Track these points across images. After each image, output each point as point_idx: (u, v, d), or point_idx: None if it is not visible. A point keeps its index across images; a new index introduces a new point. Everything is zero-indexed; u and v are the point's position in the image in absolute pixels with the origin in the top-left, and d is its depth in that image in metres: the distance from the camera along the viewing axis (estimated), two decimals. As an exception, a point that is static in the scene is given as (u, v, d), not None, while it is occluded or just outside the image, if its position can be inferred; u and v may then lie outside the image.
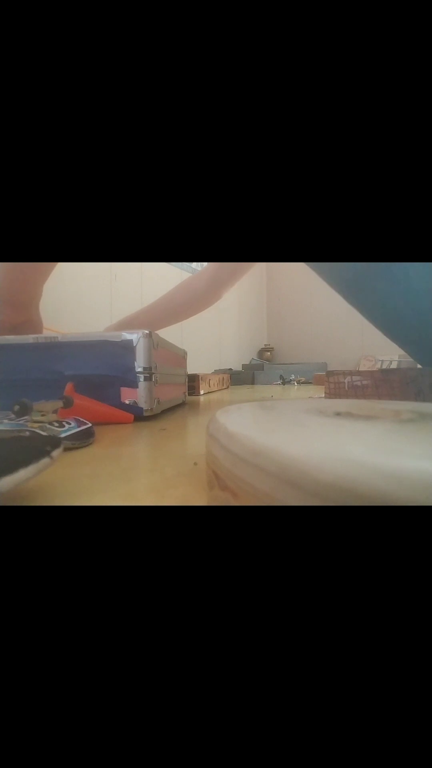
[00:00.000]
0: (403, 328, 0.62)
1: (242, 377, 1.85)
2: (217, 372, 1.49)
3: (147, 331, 0.47)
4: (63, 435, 0.31)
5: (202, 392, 0.94)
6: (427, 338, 0.59)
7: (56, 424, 0.33)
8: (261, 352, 2.98)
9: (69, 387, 0.41)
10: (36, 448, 0.19)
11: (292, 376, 1.89)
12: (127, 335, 0.47)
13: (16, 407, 0.34)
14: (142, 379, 0.46)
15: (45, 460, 0.18)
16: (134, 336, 0.47)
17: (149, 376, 0.47)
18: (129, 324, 0.85)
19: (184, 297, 0.91)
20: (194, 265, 1.80)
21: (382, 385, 0.45)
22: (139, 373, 0.46)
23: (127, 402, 0.47)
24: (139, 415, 0.46)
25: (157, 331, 0.52)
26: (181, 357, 0.71)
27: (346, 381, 0.49)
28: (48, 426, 0.32)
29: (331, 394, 0.51)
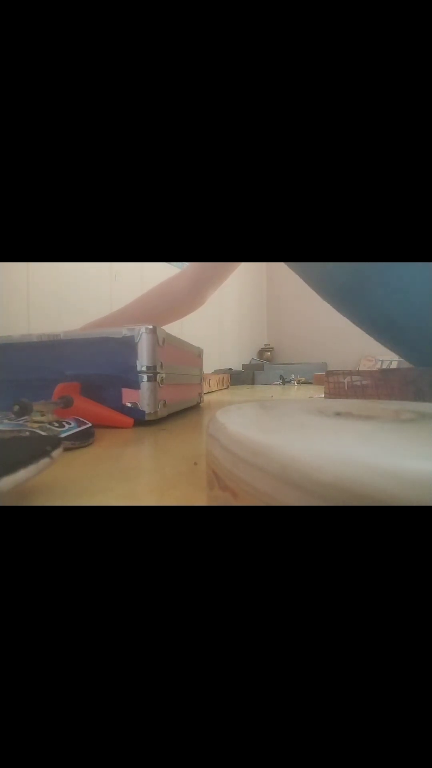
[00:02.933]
0: (398, 331, 0.61)
1: (242, 377, 1.85)
2: (217, 372, 1.49)
3: (151, 326, 0.42)
4: (63, 435, 0.31)
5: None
6: (423, 340, 0.59)
7: (56, 424, 0.33)
8: (261, 352, 2.98)
9: (60, 387, 0.40)
10: (36, 448, 0.19)
11: (292, 376, 1.89)
12: (128, 331, 0.43)
13: (16, 407, 0.34)
14: (144, 379, 0.42)
15: (45, 460, 0.18)
16: (136, 332, 0.42)
17: (153, 375, 0.42)
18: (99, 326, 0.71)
19: (163, 301, 0.80)
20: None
21: (382, 385, 0.45)
22: (141, 372, 0.42)
23: (128, 404, 0.43)
24: (140, 419, 0.42)
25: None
26: (194, 355, 0.65)
27: (346, 381, 0.49)
28: (48, 426, 0.32)
29: (331, 394, 0.51)
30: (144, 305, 0.78)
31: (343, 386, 0.49)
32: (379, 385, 0.45)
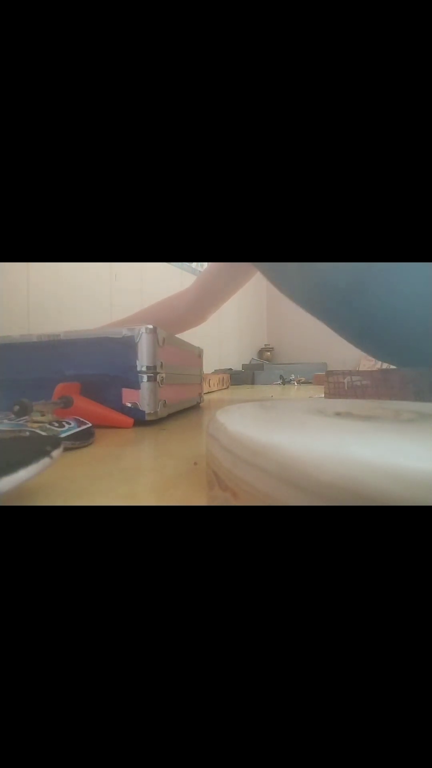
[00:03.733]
0: (396, 333, 0.61)
1: (242, 377, 1.85)
2: (217, 372, 1.49)
3: (151, 326, 0.42)
4: (63, 435, 0.31)
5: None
6: (419, 339, 0.59)
7: (56, 424, 0.33)
8: (261, 352, 2.98)
9: (60, 387, 0.40)
10: (36, 448, 0.19)
11: (292, 376, 1.89)
12: (128, 331, 0.43)
13: (16, 407, 0.34)
14: (144, 379, 0.42)
15: (45, 460, 0.18)
16: (135, 332, 0.42)
17: (153, 376, 0.42)
18: None
19: (165, 314, 0.84)
20: (194, 265, 1.81)
21: (382, 385, 0.45)
22: (141, 372, 0.42)
23: (128, 404, 0.43)
24: (140, 419, 0.42)
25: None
26: (194, 355, 0.66)
27: (346, 381, 0.49)
28: (48, 426, 0.32)
29: (331, 394, 0.51)
30: (147, 317, 0.83)
31: (343, 386, 0.49)
32: (379, 385, 0.45)
